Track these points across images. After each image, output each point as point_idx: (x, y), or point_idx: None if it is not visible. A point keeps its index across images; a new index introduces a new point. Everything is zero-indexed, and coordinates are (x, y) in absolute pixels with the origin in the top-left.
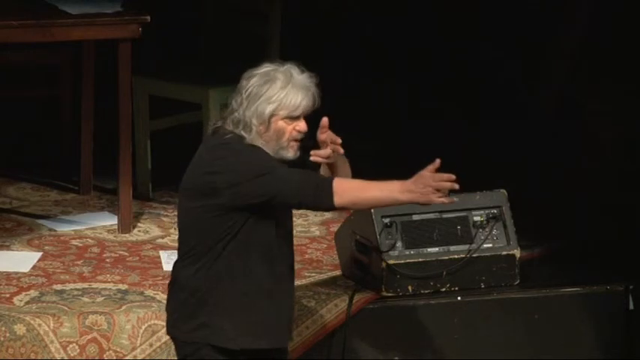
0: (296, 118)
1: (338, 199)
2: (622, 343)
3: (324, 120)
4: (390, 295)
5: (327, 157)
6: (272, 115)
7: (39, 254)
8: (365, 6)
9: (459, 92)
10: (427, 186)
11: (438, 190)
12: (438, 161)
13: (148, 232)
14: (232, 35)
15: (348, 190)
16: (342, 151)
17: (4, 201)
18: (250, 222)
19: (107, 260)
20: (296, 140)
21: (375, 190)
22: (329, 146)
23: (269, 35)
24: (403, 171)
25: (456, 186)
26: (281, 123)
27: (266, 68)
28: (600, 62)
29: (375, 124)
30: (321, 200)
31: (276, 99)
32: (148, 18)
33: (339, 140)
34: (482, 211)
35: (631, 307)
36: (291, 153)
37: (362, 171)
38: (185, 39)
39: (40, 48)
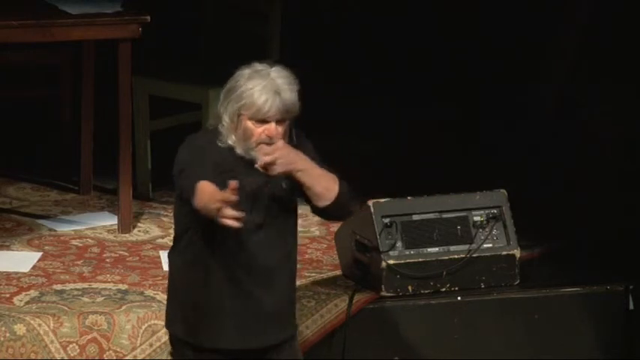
0: (264, 121)
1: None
2: (622, 343)
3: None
4: (390, 295)
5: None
6: (239, 114)
7: (39, 254)
8: (365, 6)
9: (459, 92)
10: (211, 200)
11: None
12: (233, 183)
13: (148, 232)
14: (232, 35)
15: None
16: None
17: (4, 201)
18: (202, 219)
19: (107, 260)
20: (265, 143)
21: (198, 195)
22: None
23: (269, 35)
24: (403, 171)
25: (217, 205)
26: (248, 123)
27: (253, 67)
28: (600, 62)
29: (375, 124)
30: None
31: (243, 97)
32: (148, 18)
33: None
34: (482, 211)
35: (631, 307)
36: (259, 157)
37: (362, 171)
38: (185, 39)
39: (40, 48)
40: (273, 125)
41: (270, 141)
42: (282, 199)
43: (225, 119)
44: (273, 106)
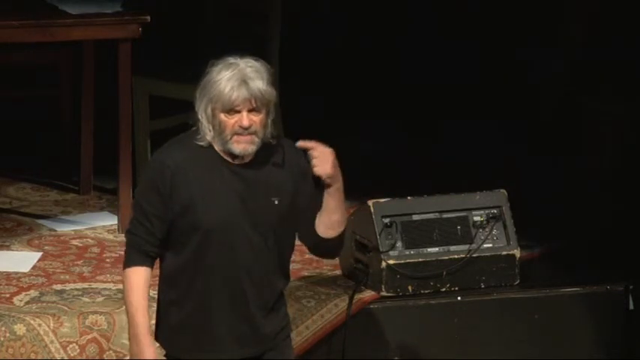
0: (236, 112)
1: (123, 270)
2: (622, 343)
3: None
4: (390, 295)
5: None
6: (212, 109)
7: (39, 254)
8: (365, 6)
9: (459, 92)
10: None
11: None
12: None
13: None
14: (232, 35)
15: (127, 281)
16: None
17: (4, 201)
18: (172, 225)
19: (107, 260)
20: (239, 134)
21: (131, 306)
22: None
23: (269, 35)
24: (403, 171)
25: None
26: (222, 116)
27: (224, 61)
28: (600, 62)
29: (375, 125)
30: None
31: (212, 90)
32: (148, 18)
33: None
34: (482, 211)
35: (631, 307)
36: (236, 149)
37: (361, 171)
38: (185, 39)
39: (40, 48)
40: (244, 114)
41: (244, 131)
42: (276, 215)
43: (202, 115)
44: (240, 94)
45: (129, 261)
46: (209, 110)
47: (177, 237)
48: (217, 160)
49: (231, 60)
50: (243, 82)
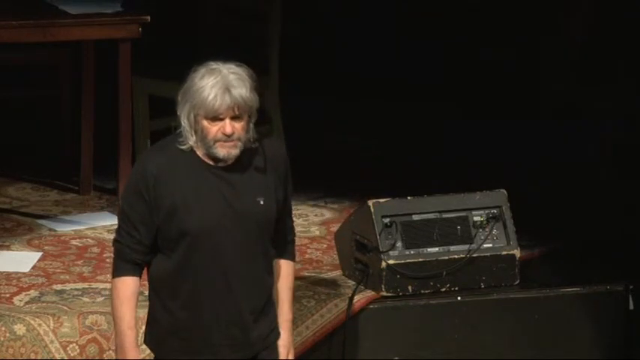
0: (219, 120)
1: (112, 280)
2: (622, 343)
3: None
4: (390, 295)
5: None
6: (195, 115)
7: (39, 254)
8: (364, 6)
9: (459, 92)
10: None
11: None
12: None
13: None
14: (232, 35)
15: (114, 291)
16: None
17: (4, 201)
18: (159, 231)
19: (107, 260)
20: (222, 141)
21: (117, 317)
22: None
23: (269, 35)
24: (403, 171)
25: None
26: (205, 123)
27: (207, 66)
28: (600, 62)
29: (376, 125)
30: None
31: (195, 96)
32: (148, 18)
33: None
34: (482, 211)
35: (631, 307)
36: (220, 152)
37: (362, 171)
38: (185, 39)
39: (40, 48)
40: (227, 122)
41: (227, 139)
42: (262, 215)
43: (184, 121)
44: (223, 102)
45: (116, 271)
46: (192, 116)
47: (164, 242)
48: (200, 164)
49: (213, 65)
50: (227, 90)
